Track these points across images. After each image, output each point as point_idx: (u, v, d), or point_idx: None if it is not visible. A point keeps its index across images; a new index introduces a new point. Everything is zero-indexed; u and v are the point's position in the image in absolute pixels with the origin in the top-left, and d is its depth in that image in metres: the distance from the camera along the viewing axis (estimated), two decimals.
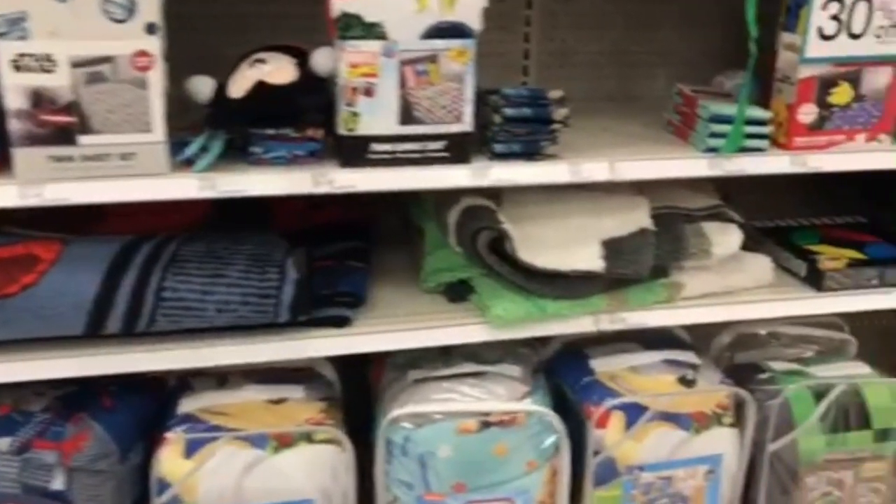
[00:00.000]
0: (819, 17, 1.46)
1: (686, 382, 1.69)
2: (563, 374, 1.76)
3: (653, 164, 1.53)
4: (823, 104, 1.55)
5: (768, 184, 1.71)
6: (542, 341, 1.84)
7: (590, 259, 1.55)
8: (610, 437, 1.61)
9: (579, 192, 1.65)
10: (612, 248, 1.57)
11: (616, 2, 1.97)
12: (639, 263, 1.56)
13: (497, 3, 1.89)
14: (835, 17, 1.47)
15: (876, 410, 1.73)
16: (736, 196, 1.87)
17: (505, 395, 1.60)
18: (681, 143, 1.63)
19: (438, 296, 1.66)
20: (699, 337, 1.93)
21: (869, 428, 1.72)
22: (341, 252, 1.71)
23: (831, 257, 1.75)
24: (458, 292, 1.64)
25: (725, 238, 1.63)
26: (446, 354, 1.71)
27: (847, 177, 1.69)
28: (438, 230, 1.66)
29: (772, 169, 1.58)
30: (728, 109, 1.52)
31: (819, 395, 1.71)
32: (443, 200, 1.63)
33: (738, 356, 1.91)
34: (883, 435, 1.73)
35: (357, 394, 1.77)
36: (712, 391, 1.69)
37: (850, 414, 1.71)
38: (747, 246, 1.74)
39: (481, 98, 1.53)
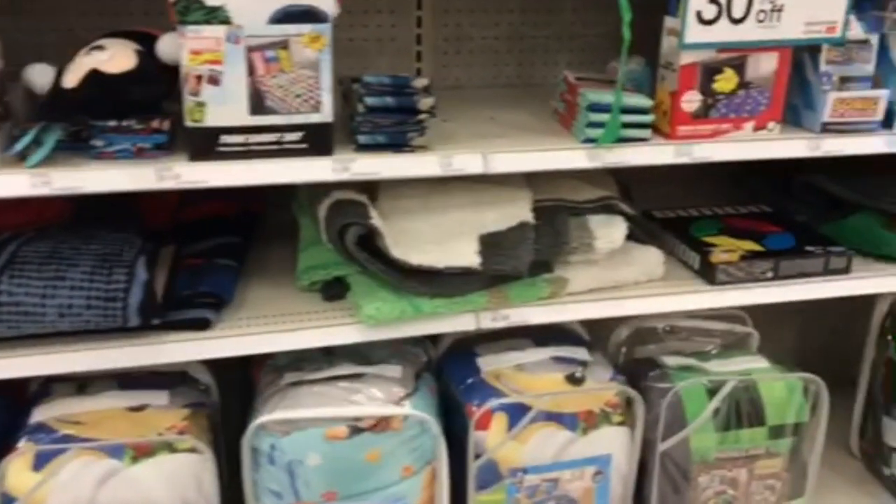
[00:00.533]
0: (698, 0, 1.40)
1: (574, 380, 1.63)
2: (452, 373, 1.69)
3: (528, 156, 1.46)
4: (707, 91, 1.49)
5: (676, 172, 1.66)
6: (434, 339, 1.77)
7: (466, 255, 1.48)
8: (491, 438, 1.55)
9: (462, 183, 1.58)
10: (490, 243, 1.50)
11: None
12: (517, 259, 1.49)
13: None
14: (714, 1, 1.40)
15: (771, 406, 1.69)
16: (643, 185, 1.81)
17: (382, 397, 1.52)
18: (565, 133, 1.56)
19: (315, 294, 1.58)
20: (602, 331, 1.88)
21: (763, 424, 1.68)
22: (214, 249, 1.63)
23: (725, 249, 1.70)
24: (333, 291, 1.56)
25: (609, 231, 1.57)
26: (330, 354, 1.64)
27: (755, 164, 1.63)
28: (312, 225, 1.58)
29: (655, 159, 1.51)
30: (607, 98, 1.45)
31: (712, 391, 1.67)
32: (316, 194, 1.54)
33: (638, 351, 1.86)
34: (777, 431, 1.69)
35: (241, 397, 1.69)
36: (601, 389, 1.63)
37: (744, 410, 1.67)
38: (641, 238, 1.69)
39: (348, 86, 1.45)
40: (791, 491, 1.76)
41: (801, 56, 1.59)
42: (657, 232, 1.73)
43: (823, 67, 1.55)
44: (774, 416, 1.69)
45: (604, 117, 1.45)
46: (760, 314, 1.89)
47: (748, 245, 1.73)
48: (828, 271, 1.71)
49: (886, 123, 1.60)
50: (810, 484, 1.78)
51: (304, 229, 1.61)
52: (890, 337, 2.03)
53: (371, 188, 1.56)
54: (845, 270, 1.72)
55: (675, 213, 1.93)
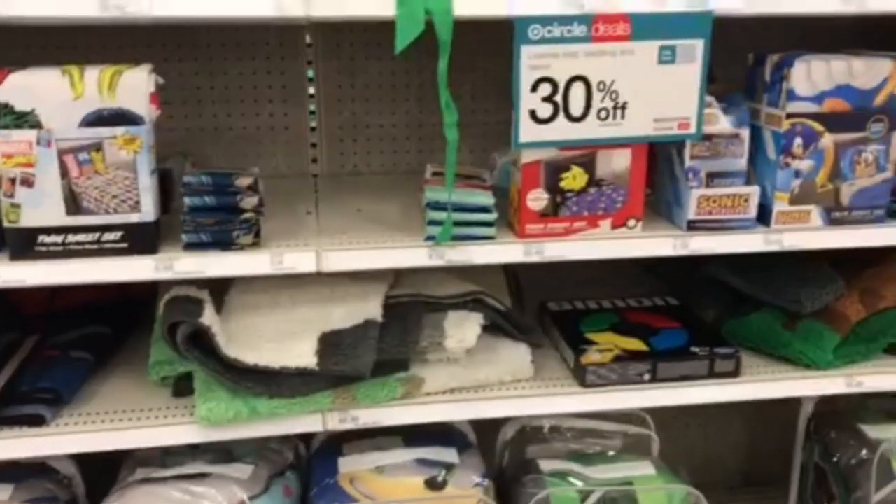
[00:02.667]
0: (529, 99, 1.35)
1: (434, 485, 1.56)
2: (314, 473, 1.64)
3: (367, 254, 1.42)
4: (555, 189, 1.44)
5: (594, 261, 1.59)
6: (308, 435, 1.72)
7: (303, 355, 1.44)
8: None
9: (317, 278, 1.55)
10: (330, 342, 1.46)
11: (407, 73, 1.89)
12: (357, 359, 1.45)
13: (279, 75, 1.86)
14: (550, 100, 1.36)
15: None
16: (560, 274, 1.75)
17: (221, 500, 1.48)
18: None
19: (169, 389, 1.56)
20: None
21: None
22: (76, 341, 1.63)
23: (603, 348, 1.61)
24: (182, 387, 1.53)
25: (461, 330, 1.51)
26: (196, 448, 1.61)
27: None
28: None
29: (503, 258, 1.46)
30: (445, 196, 1.41)
31: (585, 499, 1.57)
32: (164, 288, 1.53)
33: (529, 451, 1.78)
34: None
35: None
36: (461, 496, 1.55)
37: None
38: (515, 336, 1.62)
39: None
40: None
41: (670, 151, 1.52)
42: (532, 328, 1.66)
43: (688, 163, 1.48)
44: None
45: (443, 215, 1.41)
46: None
47: (632, 344, 1.65)
48: (713, 374, 1.60)
49: (763, 220, 1.51)
50: None
51: (157, 321, 1.59)
52: (816, 441, 1.90)
53: (224, 282, 1.54)
54: (734, 374, 1.61)
55: (573, 305, 1.85)
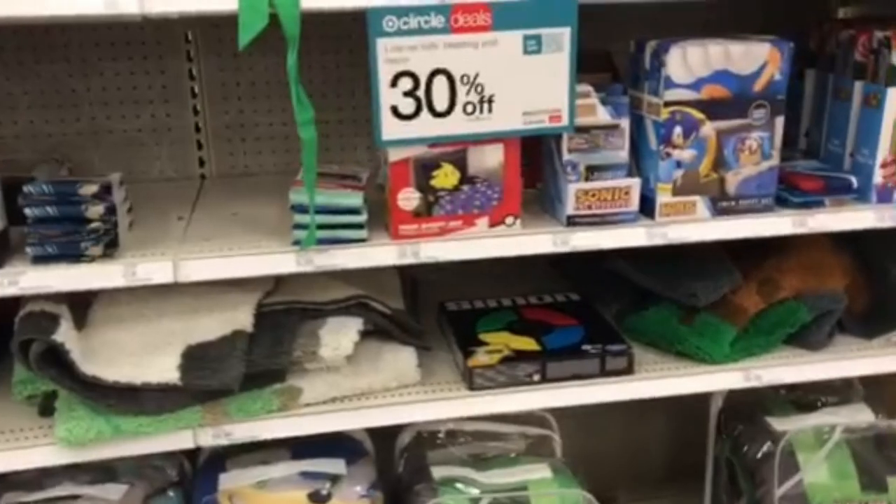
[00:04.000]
0: (390, 94, 1.29)
1: (318, 499, 1.50)
2: (196, 490, 1.57)
3: (228, 261, 1.35)
4: (426, 188, 1.38)
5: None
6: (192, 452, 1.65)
7: (164, 370, 1.37)
8: None
9: (189, 287, 1.47)
10: (195, 356, 1.39)
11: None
12: (223, 373, 1.38)
13: (159, 74, 1.78)
14: (411, 94, 1.30)
15: None
16: (469, 270, 1.69)
17: None
18: None
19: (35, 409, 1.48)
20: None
21: None
22: None
23: (493, 349, 1.56)
24: (48, 406, 1.45)
25: (336, 338, 1.45)
26: (74, 468, 1.53)
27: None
28: None
29: (376, 261, 1.40)
30: (320, 198, 1.34)
31: None
32: (27, 303, 1.45)
33: (429, 456, 1.72)
34: None
35: None
36: None
37: None
38: (404, 339, 1.56)
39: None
40: None
41: (550, 144, 1.47)
42: (421, 331, 1.60)
43: (566, 157, 1.43)
44: None
45: (307, 218, 1.34)
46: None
47: (524, 343, 1.59)
48: (605, 373, 1.55)
49: (648, 212, 1.46)
50: None
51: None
52: (725, 436, 1.86)
53: (89, 294, 1.47)
54: (627, 371, 1.56)
55: (472, 304, 1.80)
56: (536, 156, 1.52)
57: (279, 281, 1.57)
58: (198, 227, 1.49)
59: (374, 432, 1.68)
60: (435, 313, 1.80)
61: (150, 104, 1.80)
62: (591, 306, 1.77)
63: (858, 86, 1.53)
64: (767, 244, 1.64)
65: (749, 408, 1.83)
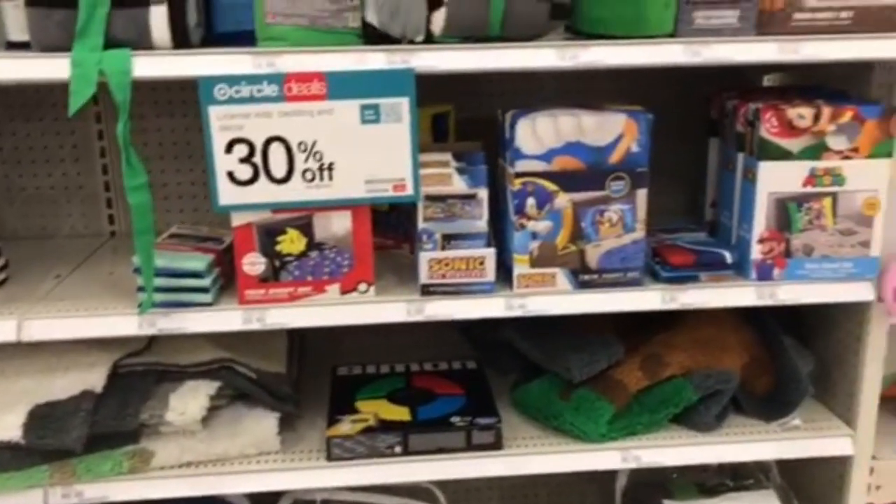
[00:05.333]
0: (225, 161, 1.30)
1: None
2: None
3: (74, 322, 1.37)
4: (272, 253, 1.37)
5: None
6: None
7: (9, 428, 1.38)
8: None
9: (59, 345, 1.49)
10: (40, 415, 1.39)
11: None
12: (65, 433, 1.37)
13: (69, 134, 1.83)
14: (247, 161, 1.30)
15: None
16: (368, 334, 1.68)
17: None
18: None
19: None
20: None
21: None
22: None
23: (357, 419, 1.53)
24: None
25: (184, 402, 1.43)
26: None
27: None
28: None
29: (220, 326, 1.39)
30: (161, 260, 1.35)
31: None
32: None
33: None
34: None
35: None
36: None
37: None
38: (268, 405, 1.54)
39: None
40: None
41: (411, 210, 1.45)
42: (290, 397, 1.57)
43: (421, 225, 1.41)
44: None
45: (157, 281, 1.35)
46: None
47: (397, 413, 1.56)
48: (472, 447, 1.50)
49: (510, 282, 1.43)
50: None
51: None
52: None
53: None
54: (494, 446, 1.51)
55: (364, 369, 1.77)
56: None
57: (153, 339, 1.57)
58: (67, 286, 1.51)
59: (253, 498, 1.65)
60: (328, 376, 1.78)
61: (62, 163, 1.84)
62: (483, 376, 1.73)
63: (740, 157, 1.48)
64: (661, 318, 1.59)
65: (651, 489, 1.75)
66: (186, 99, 1.81)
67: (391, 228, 1.66)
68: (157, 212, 1.85)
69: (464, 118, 1.71)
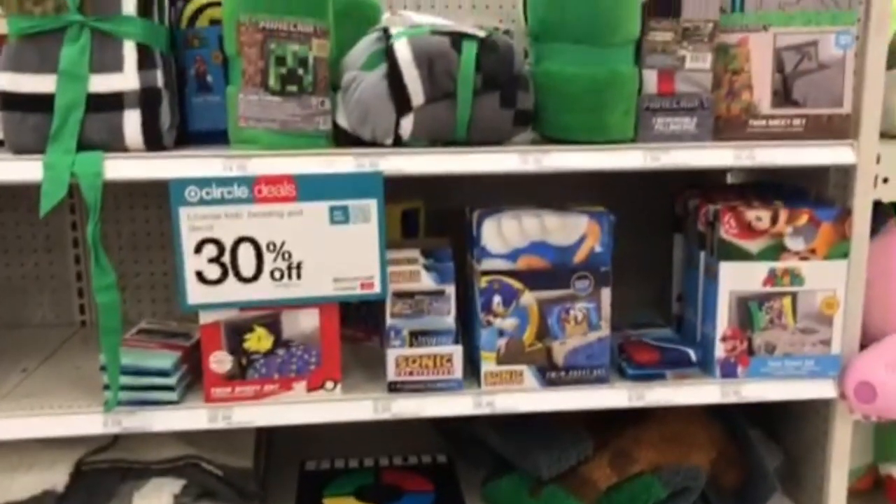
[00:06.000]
0: (194, 260, 1.31)
1: None
2: None
3: (35, 421, 1.35)
4: (240, 351, 1.37)
5: None
6: None
7: None
8: None
9: (11, 443, 1.47)
10: None
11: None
12: None
13: (43, 225, 1.84)
14: (216, 261, 1.32)
15: None
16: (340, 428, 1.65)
17: None
18: None
19: None
20: None
21: None
22: None
23: None
24: None
25: (147, 502, 1.41)
26: None
27: None
28: None
29: (186, 425, 1.38)
30: (125, 358, 1.35)
31: None
32: None
33: None
34: None
35: None
36: None
37: None
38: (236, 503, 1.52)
39: None
40: None
41: (380, 304, 1.47)
42: (256, 494, 1.55)
43: (389, 322, 1.42)
44: None
45: (123, 379, 1.35)
46: None
47: None
48: None
49: (474, 376, 1.44)
50: None
51: None
52: None
53: None
54: None
55: (333, 464, 1.76)
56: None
57: (117, 436, 1.56)
58: (33, 381, 1.50)
59: None
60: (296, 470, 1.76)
61: (34, 253, 1.85)
62: (454, 471, 1.72)
63: (702, 256, 1.52)
64: (629, 414, 1.59)
65: None
66: (160, 191, 1.84)
67: (361, 320, 1.67)
68: (129, 302, 1.88)
69: (434, 211, 1.75)
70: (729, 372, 1.47)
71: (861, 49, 1.41)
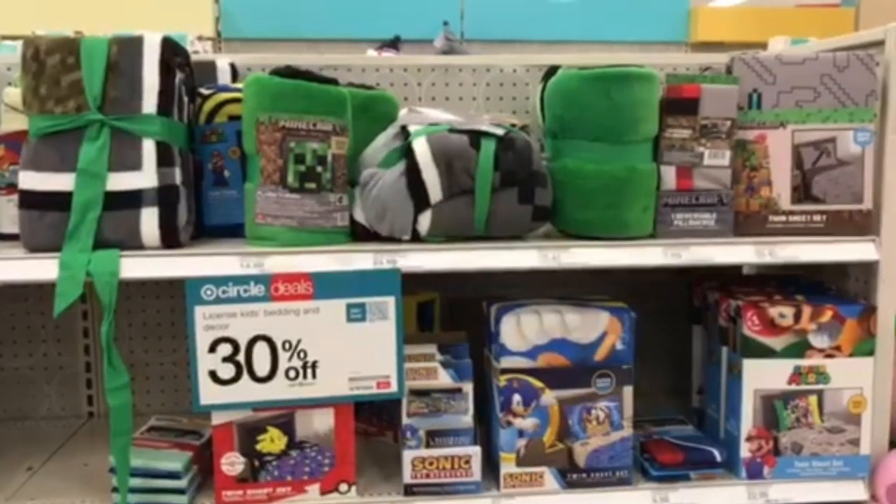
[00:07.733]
0: (208, 360, 1.29)
1: None
2: None
3: None
4: (252, 452, 1.34)
5: None
6: None
7: None
8: None
9: None
10: None
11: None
12: None
13: (52, 315, 1.82)
14: (230, 360, 1.29)
15: None
16: None
17: None
18: None
19: None
20: None
21: None
22: None
23: None
24: None
25: None
26: None
27: None
28: None
29: None
30: (138, 460, 1.32)
31: None
32: None
33: None
34: None
35: None
36: None
37: None
38: None
39: None
40: None
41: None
42: None
43: (405, 421, 1.38)
44: None
45: (133, 482, 1.31)
46: None
47: None
48: None
49: (493, 475, 1.39)
50: None
51: None
52: None
53: None
54: None
55: None
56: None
57: None
58: (39, 480, 1.47)
59: None
60: None
61: (43, 343, 1.83)
62: None
63: (724, 351, 1.49)
64: None
65: None
66: (173, 280, 1.82)
67: (374, 414, 1.64)
68: (140, 393, 1.85)
69: (450, 301, 1.73)
70: (755, 472, 1.42)
71: (879, 145, 1.41)
